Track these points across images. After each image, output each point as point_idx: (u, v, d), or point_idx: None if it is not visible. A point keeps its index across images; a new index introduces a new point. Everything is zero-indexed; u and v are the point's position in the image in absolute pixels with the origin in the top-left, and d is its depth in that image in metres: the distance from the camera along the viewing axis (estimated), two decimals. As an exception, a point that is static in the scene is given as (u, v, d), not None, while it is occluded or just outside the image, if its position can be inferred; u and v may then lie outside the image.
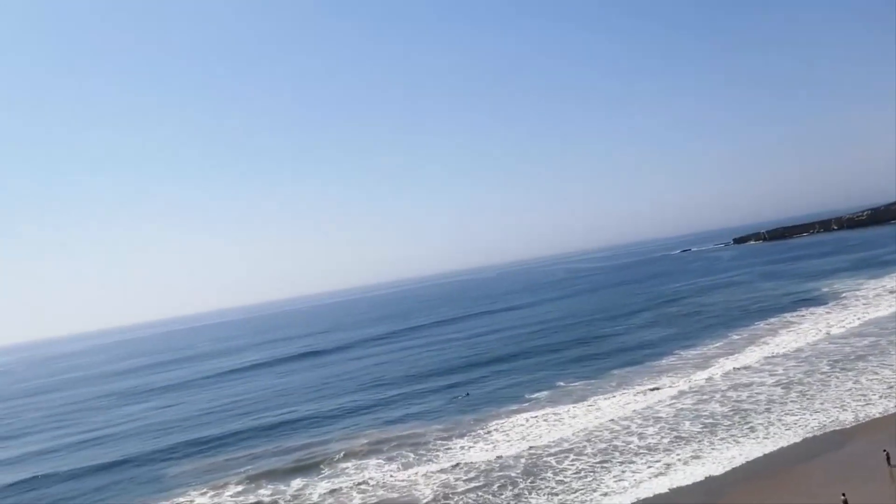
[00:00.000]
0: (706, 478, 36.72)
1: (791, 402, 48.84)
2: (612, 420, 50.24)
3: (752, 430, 43.87)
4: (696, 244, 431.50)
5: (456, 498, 38.78)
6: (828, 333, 71.82)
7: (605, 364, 73.94)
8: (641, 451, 42.74)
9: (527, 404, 60.22)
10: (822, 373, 55.60)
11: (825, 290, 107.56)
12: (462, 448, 48.69)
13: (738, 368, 62.06)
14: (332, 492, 42.45)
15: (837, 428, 41.52)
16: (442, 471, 43.42)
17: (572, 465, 41.88)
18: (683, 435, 44.79)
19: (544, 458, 43.79)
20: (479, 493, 39.06)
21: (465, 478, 41.92)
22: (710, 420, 47.35)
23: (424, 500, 39.00)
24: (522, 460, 44.02)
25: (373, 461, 48.17)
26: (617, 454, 42.74)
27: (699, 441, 43.11)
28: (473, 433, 52.44)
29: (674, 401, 54.08)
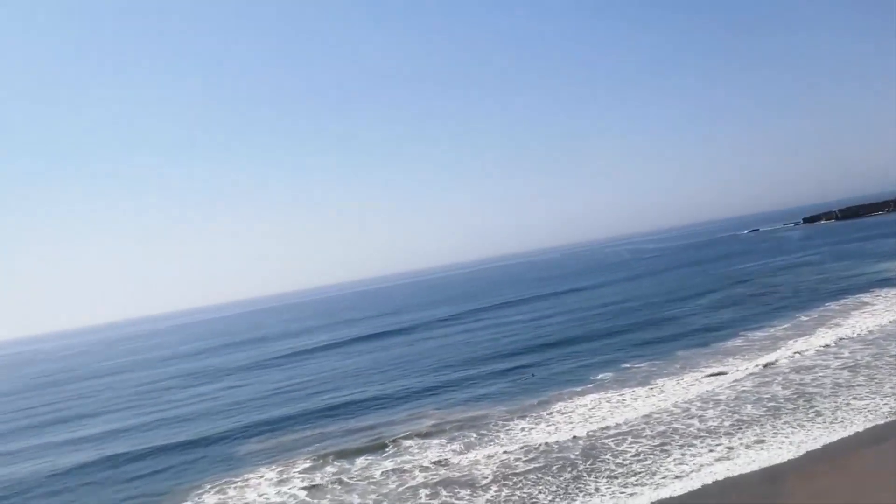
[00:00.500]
0: (770, 463, 36.34)
1: (859, 385, 47.51)
2: (674, 404, 49.95)
3: (819, 413, 43.03)
4: (765, 224, 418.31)
5: (515, 479, 39.45)
6: (902, 315, 69.14)
7: (671, 346, 73.10)
8: (702, 433, 42.56)
9: (591, 385, 60.32)
10: (892, 356, 53.78)
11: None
12: (523, 429, 49.31)
13: (804, 351, 60.57)
14: (396, 470, 43.66)
15: (909, 413, 40.32)
16: (505, 452, 44.13)
17: (631, 447, 42.05)
18: (745, 418, 44.30)
19: (602, 441, 44.06)
20: (539, 475, 39.65)
21: (524, 458, 42.62)
22: (773, 403, 46.58)
23: (485, 480, 39.82)
24: (581, 442, 44.43)
25: (435, 441, 49.23)
26: (677, 437, 42.67)
27: (762, 425, 42.60)
28: (535, 414, 52.91)
29: (735, 383, 53.34)
